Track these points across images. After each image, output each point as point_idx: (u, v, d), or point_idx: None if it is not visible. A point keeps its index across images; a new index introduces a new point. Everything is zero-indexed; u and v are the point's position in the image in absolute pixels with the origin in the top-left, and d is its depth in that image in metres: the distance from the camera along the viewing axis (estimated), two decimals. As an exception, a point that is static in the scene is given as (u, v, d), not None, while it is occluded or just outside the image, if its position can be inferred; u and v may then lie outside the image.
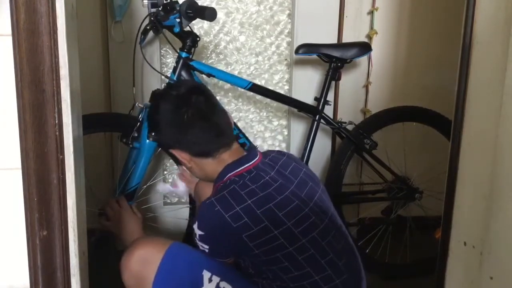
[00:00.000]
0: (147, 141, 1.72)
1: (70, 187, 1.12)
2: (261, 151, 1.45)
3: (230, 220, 1.23)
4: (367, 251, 2.04)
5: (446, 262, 1.30)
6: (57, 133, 1.08)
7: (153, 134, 1.65)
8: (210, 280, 1.27)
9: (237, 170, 1.33)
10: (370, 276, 1.99)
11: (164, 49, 2.17)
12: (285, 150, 1.54)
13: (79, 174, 1.17)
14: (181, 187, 1.73)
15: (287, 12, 2.22)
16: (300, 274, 1.26)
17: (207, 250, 1.29)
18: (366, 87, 2.29)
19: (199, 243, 1.29)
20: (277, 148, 2.35)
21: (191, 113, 1.33)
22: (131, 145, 1.77)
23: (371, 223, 2.19)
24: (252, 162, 1.35)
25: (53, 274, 1.14)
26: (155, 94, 1.63)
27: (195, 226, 1.29)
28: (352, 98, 2.30)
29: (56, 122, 1.07)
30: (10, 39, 1.03)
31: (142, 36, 1.78)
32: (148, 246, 1.32)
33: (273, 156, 1.42)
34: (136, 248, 1.31)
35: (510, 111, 1.08)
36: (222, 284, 1.28)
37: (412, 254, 2.09)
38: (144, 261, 1.29)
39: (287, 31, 2.24)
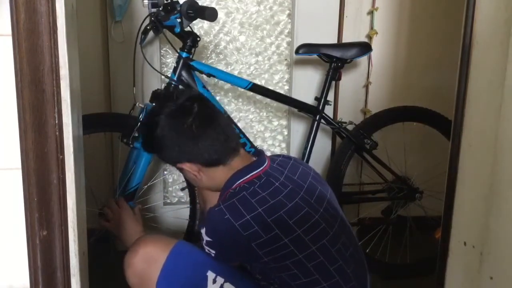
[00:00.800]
0: (147, 141, 1.72)
1: (70, 187, 1.12)
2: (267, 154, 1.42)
3: (240, 228, 1.21)
4: (367, 251, 2.04)
5: (446, 262, 1.30)
6: (57, 133, 1.08)
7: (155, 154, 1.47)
8: (214, 281, 1.26)
9: (247, 177, 1.30)
10: (370, 276, 1.99)
11: (164, 49, 2.17)
12: (289, 154, 1.50)
13: (79, 174, 1.17)
14: None
15: (287, 12, 2.22)
16: (308, 281, 1.25)
17: (213, 255, 1.27)
18: (366, 87, 2.29)
19: (206, 247, 1.27)
20: (277, 148, 2.35)
21: (198, 123, 1.28)
22: (131, 145, 1.76)
23: (371, 223, 2.19)
24: (262, 168, 1.32)
25: (53, 274, 1.14)
26: (150, 113, 1.44)
27: (202, 231, 1.26)
28: (352, 98, 2.30)
29: (56, 122, 1.07)
30: (10, 39, 1.03)
31: (142, 36, 1.78)
32: (152, 244, 1.30)
33: (280, 160, 1.39)
34: (140, 246, 1.30)
35: (510, 111, 1.08)
36: (226, 285, 1.26)
37: (412, 254, 2.09)
38: (148, 259, 1.27)
39: (287, 31, 2.24)
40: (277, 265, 1.24)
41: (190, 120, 1.28)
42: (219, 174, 1.34)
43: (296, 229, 1.24)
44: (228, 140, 1.33)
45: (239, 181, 1.30)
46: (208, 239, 1.25)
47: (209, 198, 1.47)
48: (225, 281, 1.26)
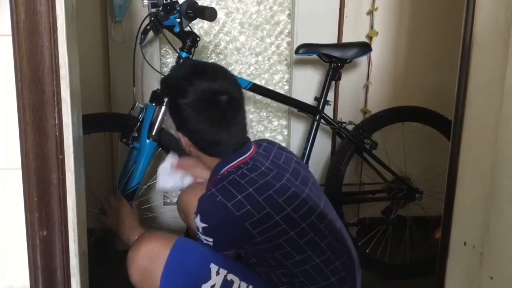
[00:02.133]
0: (147, 141, 1.72)
1: (70, 187, 1.12)
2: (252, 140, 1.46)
3: (233, 208, 1.25)
4: (367, 251, 2.04)
5: (446, 262, 1.30)
6: (57, 133, 1.08)
7: (169, 103, 1.43)
8: (217, 273, 1.28)
9: (234, 163, 1.35)
10: (370, 276, 1.99)
11: (164, 49, 2.17)
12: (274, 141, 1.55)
13: (79, 174, 1.17)
14: (180, 175, 1.62)
15: (287, 12, 2.22)
16: (301, 258, 1.29)
17: (211, 243, 1.30)
18: (366, 87, 2.29)
19: (203, 237, 1.30)
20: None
21: (221, 119, 1.32)
22: (131, 145, 1.77)
23: (371, 223, 2.19)
24: (248, 154, 1.36)
25: (53, 274, 1.14)
26: (184, 74, 1.38)
27: (197, 220, 1.29)
28: (352, 98, 2.30)
29: (56, 122, 1.07)
30: (10, 39, 1.03)
31: (142, 36, 1.78)
32: (154, 241, 1.32)
33: (265, 146, 1.44)
34: (142, 243, 1.31)
35: (510, 111, 1.08)
36: (229, 276, 1.29)
37: (412, 254, 2.09)
38: (151, 256, 1.29)
39: (287, 31, 2.24)
40: (270, 244, 1.27)
41: (214, 113, 1.32)
42: (210, 161, 1.40)
43: (286, 207, 1.28)
44: (236, 144, 1.36)
45: (227, 167, 1.34)
46: (204, 225, 1.28)
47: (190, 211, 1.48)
48: (228, 272, 1.29)
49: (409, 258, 2.09)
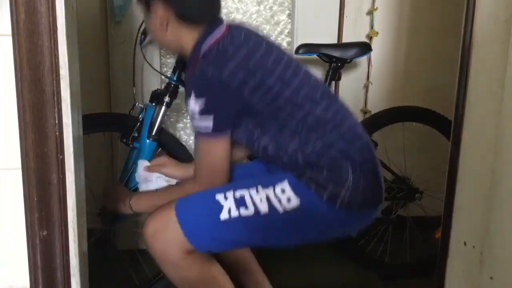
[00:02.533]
0: (147, 141, 1.72)
1: (70, 187, 1.12)
2: None
3: (227, 77, 1.24)
4: (367, 251, 2.04)
5: (446, 262, 1.30)
6: (57, 133, 1.08)
7: None
8: (226, 198, 1.29)
9: (214, 38, 1.32)
10: (370, 276, 1.99)
11: (164, 49, 2.17)
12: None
13: (79, 174, 1.17)
14: (155, 177, 1.63)
15: (287, 12, 2.22)
16: (302, 114, 1.29)
17: (211, 123, 1.26)
18: (366, 87, 2.29)
19: (201, 123, 1.26)
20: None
21: None
22: (131, 145, 1.77)
23: (371, 223, 2.19)
24: (224, 27, 1.35)
25: (53, 274, 1.14)
26: None
27: (191, 103, 1.25)
28: (352, 98, 2.30)
29: (56, 122, 1.07)
30: (10, 39, 1.03)
31: (142, 36, 1.78)
32: (158, 212, 1.34)
33: (233, 24, 1.42)
34: (149, 223, 1.33)
35: (510, 111, 1.08)
36: (237, 193, 1.29)
37: (412, 254, 2.09)
38: (161, 227, 1.30)
39: (287, 31, 2.24)
40: (271, 108, 1.28)
41: None
42: (186, 36, 1.35)
43: (276, 67, 1.30)
44: (217, 7, 1.37)
45: (208, 43, 1.31)
46: (200, 102, 1.24)
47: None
48: (234, 191, 1.29)
49: (409, 258, 2.09)
